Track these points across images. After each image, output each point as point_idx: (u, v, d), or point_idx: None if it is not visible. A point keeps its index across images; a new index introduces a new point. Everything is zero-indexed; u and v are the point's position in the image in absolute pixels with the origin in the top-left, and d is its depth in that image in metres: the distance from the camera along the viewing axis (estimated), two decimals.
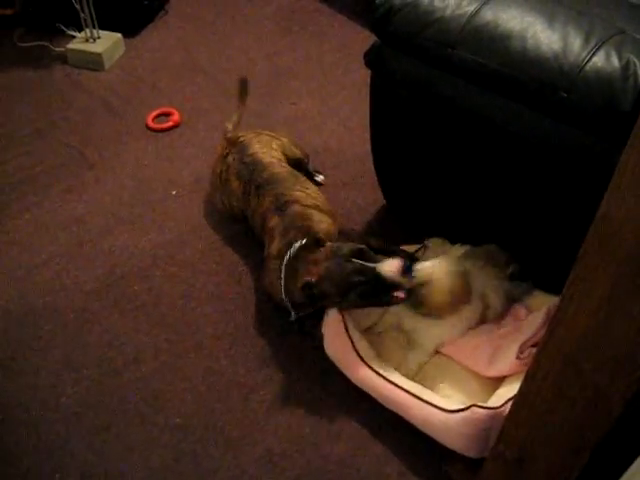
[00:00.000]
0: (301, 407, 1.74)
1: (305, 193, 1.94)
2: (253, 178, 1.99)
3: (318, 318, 1.80)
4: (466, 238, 1.96)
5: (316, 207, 1.90)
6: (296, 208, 1.86)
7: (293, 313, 1.81)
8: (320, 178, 2.39)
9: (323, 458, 1.64)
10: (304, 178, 2.07)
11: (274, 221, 1.86)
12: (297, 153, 2.24)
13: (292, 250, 1.73)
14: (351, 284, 1.61)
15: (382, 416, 1.69)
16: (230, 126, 2.27)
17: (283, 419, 1.72)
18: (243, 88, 2.37)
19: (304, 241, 1.73)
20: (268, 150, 2.10)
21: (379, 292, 1.62)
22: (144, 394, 1.78)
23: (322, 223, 1.84)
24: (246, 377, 1.81)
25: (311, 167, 2.38)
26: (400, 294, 1.62)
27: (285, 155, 2.15)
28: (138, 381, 1.81)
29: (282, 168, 2.04)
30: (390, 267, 1.60)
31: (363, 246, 1.66)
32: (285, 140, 2.23)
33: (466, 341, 1.72)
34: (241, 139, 2.13)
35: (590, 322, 1.02)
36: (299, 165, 2.22)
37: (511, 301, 1.80)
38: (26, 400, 1.77)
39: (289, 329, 1.91)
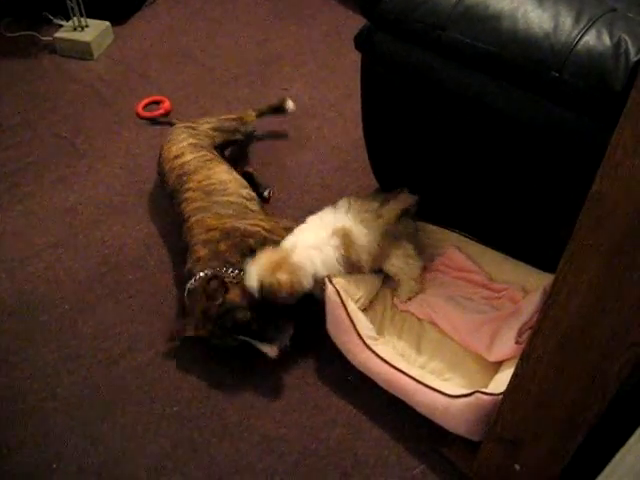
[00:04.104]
0: (298, 393, 1.75)
1: (186, 202, 1.96)
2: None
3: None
4: (460, 220, 1.96)
5: (189, 219, 1.93)
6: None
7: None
8: (266, 193, 2.25)
9: (321, 443, 1.65)
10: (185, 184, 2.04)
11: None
12: (216, 139, 2.23)
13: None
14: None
15: (379, 400, 1.70)
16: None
17: (280, 405, 1.72)
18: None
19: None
20: (175, 147, 2.13)
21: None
22: (140, 383, 1.78)
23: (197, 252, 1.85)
24: (242, 364, 1.81)
25: (262, 187, 2.25)
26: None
27: (202, 142, 2.17)
28: (134, 370, 1.81)
29: (170, 175, 2.07)
30: (272, 352, 1.70)
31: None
32: (205, 127, 2.24)
33: (465, 321, 1.73)
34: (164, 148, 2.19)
35: (584, 301, 1.02)
36: (232, 143, 2.31)
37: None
38: (22, 391, 1.76)
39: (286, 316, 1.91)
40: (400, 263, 1.82)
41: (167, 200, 2.12)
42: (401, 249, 1.82)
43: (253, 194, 2.07)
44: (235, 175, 2.08)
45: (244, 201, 1.99)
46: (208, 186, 1.98)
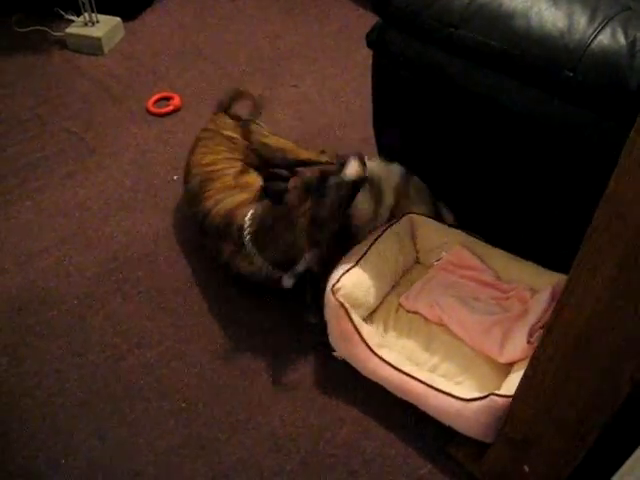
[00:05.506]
0: (306, 392, 1.74)
1: (213, 194, 1.96)
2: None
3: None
4: (469, 219, 1.95)
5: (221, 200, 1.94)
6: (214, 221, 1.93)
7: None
8: None
9: (328, 442, 1.64)
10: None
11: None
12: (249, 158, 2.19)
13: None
14: (339, 203, 1.77)
15: (387, 400, 1.69)
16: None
17: (288, 403, 1.72)
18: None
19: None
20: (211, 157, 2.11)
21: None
22: (149, 379, 1.78)
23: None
24: (251, 362, 1.81)
25: None
26: None
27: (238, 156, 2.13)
28: (143, 366, 1.81)
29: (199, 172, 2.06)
30: (353, 169, 1.79)
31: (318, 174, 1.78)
32: (219, 122, 2.22)
33: (475, 323, 1.71)
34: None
35: (597, 302, 1.01)
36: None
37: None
38: (31, 386, 1.77)
39: (294, 314, 1.91)
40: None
41: (177, 199, 2.11)
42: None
43: None
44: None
45: None
46: (236, 183, 1.99)
